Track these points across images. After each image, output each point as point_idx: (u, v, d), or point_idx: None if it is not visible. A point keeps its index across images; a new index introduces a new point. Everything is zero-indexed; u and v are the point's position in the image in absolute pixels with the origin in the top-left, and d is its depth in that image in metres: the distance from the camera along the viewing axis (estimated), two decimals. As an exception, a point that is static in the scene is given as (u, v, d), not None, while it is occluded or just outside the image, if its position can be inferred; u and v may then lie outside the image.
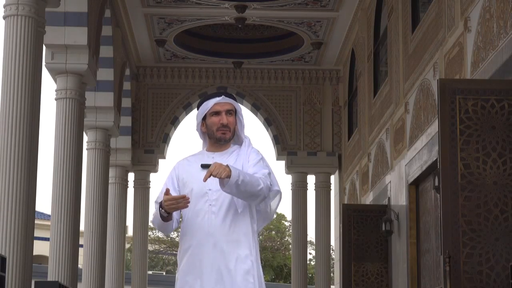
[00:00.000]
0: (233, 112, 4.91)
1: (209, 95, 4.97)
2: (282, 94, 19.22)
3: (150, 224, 18.99)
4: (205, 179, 4.59)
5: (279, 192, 4.91)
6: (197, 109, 4.98)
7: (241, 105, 5.34)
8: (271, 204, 4.93)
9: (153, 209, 4.97)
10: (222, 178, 4.56)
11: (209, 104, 4.89)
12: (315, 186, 19.08)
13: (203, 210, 4.79)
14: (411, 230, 12.00)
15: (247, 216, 4.82)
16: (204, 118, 4.92)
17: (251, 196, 4.71)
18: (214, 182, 4.75)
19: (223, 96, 4.90)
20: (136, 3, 15.77)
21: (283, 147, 19.04)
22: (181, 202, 4.68)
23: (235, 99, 4.97)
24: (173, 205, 4.69)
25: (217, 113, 4.87)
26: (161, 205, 4.74)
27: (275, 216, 5.67)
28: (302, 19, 16.55)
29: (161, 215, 4.77)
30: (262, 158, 4.92)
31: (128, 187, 18.73)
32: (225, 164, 4.65)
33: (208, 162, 4.80)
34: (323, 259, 18.63)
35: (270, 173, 4.85)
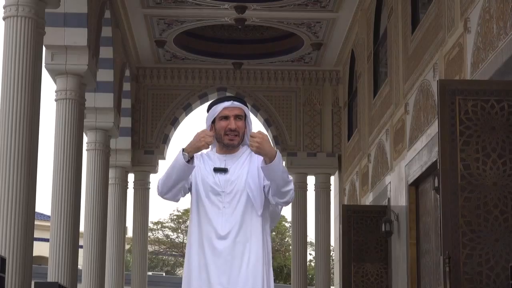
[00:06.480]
0: (243, 117, 4.93)
1: (219, 99, 4.99)
2: (282, 95, 19.22)
3: (150, 225, 18.99)
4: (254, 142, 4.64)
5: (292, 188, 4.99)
6: (207, 112, 5.00)
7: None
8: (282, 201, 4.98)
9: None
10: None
11: (218, 108, 4.91)
12: (315, 187, 19.08)
13: (215, 211, 4.82)
14: (411, 231, 12.00)
15: (260, 217, 4.86)
16: (214, 122, 4.94)
17: (284, 185, 4.84)
18: (227, 184, 4.83)
19: (232, 101, 4.92)
20: (136, 4, 15.77)
21: (283, 148, 19.03)
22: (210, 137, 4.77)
23: (245, 104, 4.99)
24: (207, 139, 4.74)
25: (225, 117, 4.89)
26: (183, 150, 4.76)
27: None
28: (302, 20, 16.55)
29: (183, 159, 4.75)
30: None
31: (128, 188, 18.73)
32: (238, 166, 4.78)
33: (221, 166, 4.88)
34: (323, 260, 18.62)
35: None
